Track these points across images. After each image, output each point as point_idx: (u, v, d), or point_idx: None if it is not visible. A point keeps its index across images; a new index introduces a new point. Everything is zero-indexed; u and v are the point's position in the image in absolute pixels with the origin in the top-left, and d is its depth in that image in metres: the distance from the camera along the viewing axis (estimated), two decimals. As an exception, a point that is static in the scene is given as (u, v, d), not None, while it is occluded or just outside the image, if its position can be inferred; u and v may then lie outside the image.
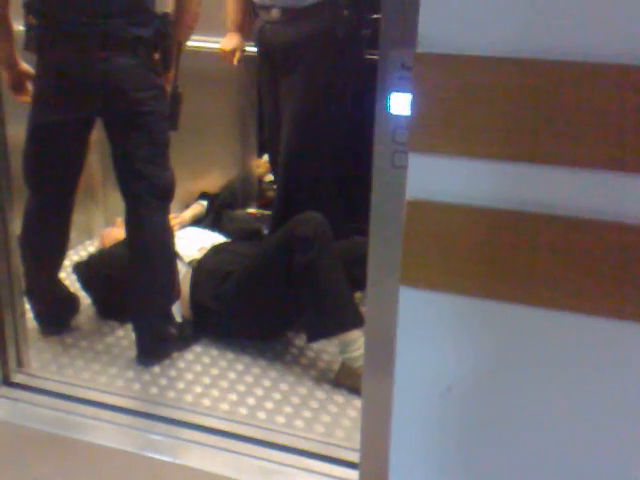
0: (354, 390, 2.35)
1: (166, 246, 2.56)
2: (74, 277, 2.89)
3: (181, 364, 2.56)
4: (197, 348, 2.65)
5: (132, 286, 2.55)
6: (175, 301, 2.59)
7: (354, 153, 2.98)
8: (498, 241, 1.30)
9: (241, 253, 2.78)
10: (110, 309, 2.83)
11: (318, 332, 2.49)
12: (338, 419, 2.27)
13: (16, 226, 2.35)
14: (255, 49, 3.15)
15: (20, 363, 2.36)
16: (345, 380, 2.42)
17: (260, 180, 3.81)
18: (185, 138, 2.78)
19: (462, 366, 1.41)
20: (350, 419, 2.26)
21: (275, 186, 3.43)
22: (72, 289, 2.84)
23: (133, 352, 2.59)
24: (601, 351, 1.31)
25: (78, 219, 2.83)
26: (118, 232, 2.96)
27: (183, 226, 3.13)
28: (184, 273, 2.70)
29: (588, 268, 1.26)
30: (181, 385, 2.43)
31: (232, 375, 2.49)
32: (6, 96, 2.35)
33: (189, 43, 2.59)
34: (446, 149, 1.29)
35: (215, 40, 3.19)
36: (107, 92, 2.35)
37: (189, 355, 2.61)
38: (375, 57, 1.48)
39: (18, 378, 2.32)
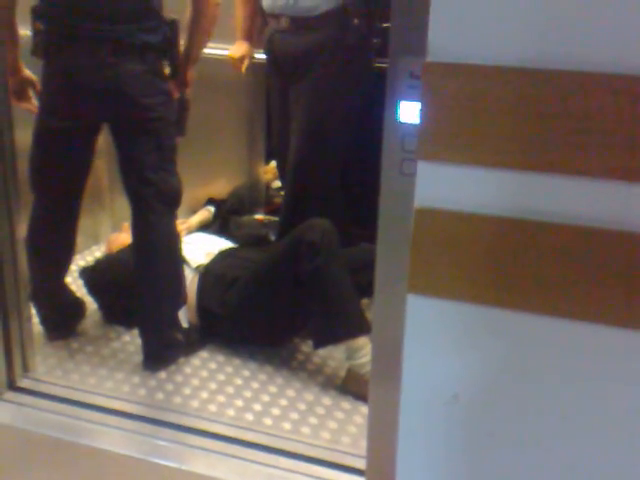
0: (361, 397, 2.34)
1: (173, 251, 2.57)
2: (80, 282, 2.90)
3: (187, 370, 2.56)
4: (203, 354, 2.65)
5: (139, 291, 2.55)
6: (182, 306, 2.59)
7: (362, 160, 2.98)
8: (506, 249, 1.30)
9: (248, 259, 2.78)
10: (116, 314, 2.83)
11: (325, 338, 2.49)
12: (344, 426, 2.27)
13: (22, 230, 2.35)
14: (264, 57, 3.15)
15: (26, 368, 2.36)
16: (352, 387, 2.42)
17: (267, 186, 3.82)
18: (193, 144, 2.79)
19: (469, 374, 1.41)
20: (356, 426, 2.26)
21: (282, 192, 3.44)
22: (78, 294, 2.85)
23: (139, 357, 2.59)
24: (609, 360, 1.30)
25: (85, 224, 2.83)
26: (125, 237, 2.96)
27: (190, 231, 3.14)
28: (191, 278, 2.71)
29: (595, 277, 1.26)
30: (187, 391, 2.43)
31: (238, 381, 2.49)
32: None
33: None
34: (455, 157, 1.29)
35: (224, 47, 3.19)
36: (115, 98, 2.35)
37: (195, 361, 2.61)
38: (384, 65, 1.48)
39: (24, 383, 2.32)
